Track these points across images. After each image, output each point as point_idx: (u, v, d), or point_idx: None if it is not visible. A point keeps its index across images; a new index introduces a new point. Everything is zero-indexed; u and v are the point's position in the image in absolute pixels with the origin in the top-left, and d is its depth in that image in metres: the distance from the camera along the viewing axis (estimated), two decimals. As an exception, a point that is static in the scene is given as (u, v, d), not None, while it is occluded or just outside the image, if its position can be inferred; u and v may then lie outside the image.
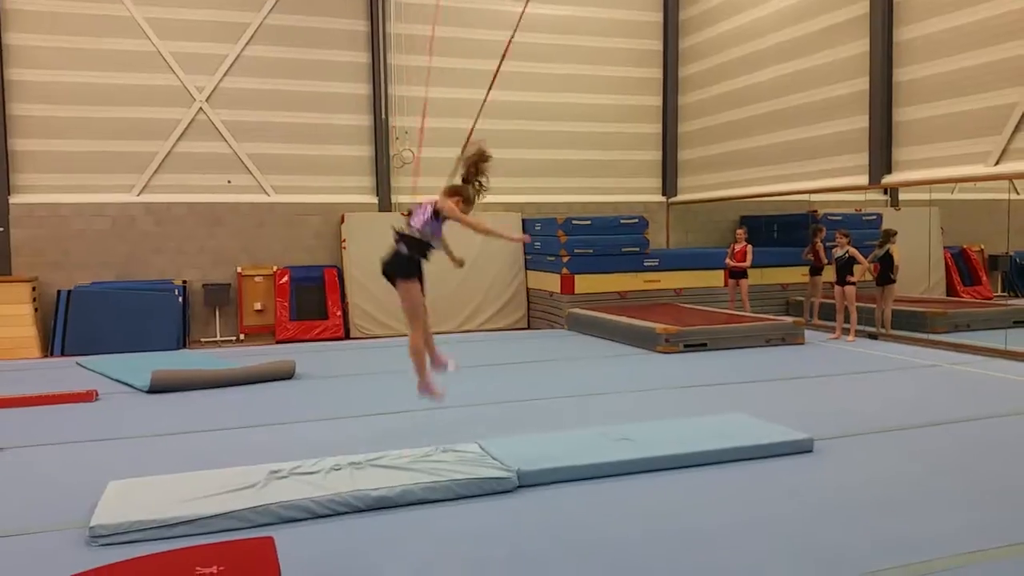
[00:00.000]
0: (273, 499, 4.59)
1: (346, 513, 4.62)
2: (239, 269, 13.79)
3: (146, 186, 13.49)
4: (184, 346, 12.73)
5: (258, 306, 13.76)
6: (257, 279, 13.84)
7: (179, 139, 13.59)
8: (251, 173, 13.98)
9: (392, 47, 14.53)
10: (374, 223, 14.19)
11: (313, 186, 14.33)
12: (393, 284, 5.78)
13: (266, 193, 14.07)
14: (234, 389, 8.53)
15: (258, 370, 9.00)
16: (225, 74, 13.73)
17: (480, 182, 5.81)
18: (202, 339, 13.60)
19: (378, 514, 4.63)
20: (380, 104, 14.43)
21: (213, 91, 13.69)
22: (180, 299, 12.89)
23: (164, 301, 12.65)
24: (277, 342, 13.14)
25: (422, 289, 5.86)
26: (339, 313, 13.67)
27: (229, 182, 13.88)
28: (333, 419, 7.15)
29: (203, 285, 13.60)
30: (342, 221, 14.16)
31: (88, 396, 8.08)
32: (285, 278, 13.72)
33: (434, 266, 14.83)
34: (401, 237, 5.72)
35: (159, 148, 13.49)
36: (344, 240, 14.05)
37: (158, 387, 8.37)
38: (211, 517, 4.42)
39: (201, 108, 13.64)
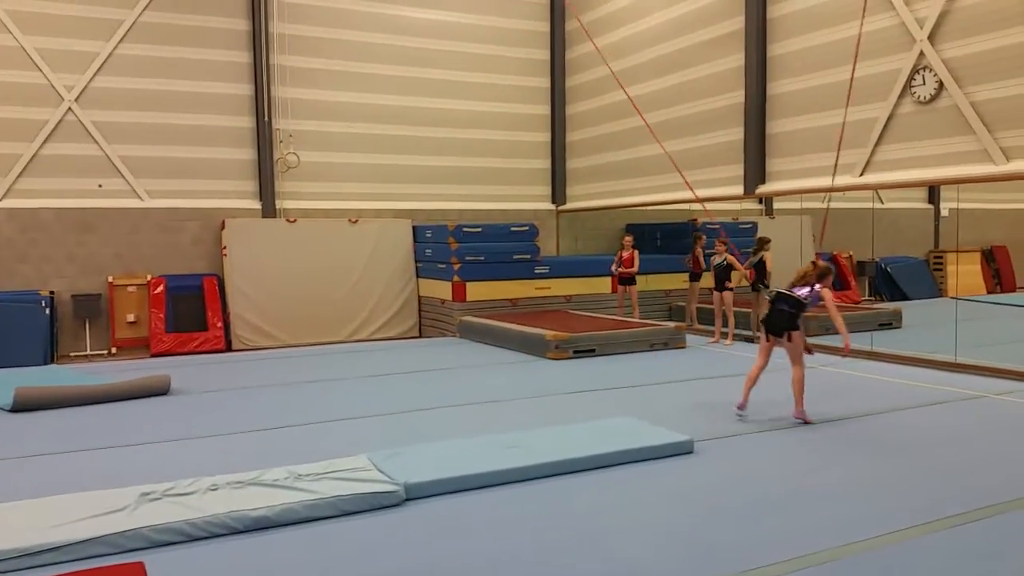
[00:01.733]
0: (144, 522, 4.37)
1: (223, 535, 4.44)
2: (110, 278, 13.11)
3: (9, 190, 12.65)
4: (52, 361, 12.00)
5: (131, 317, 13.11)
6: (130, 289, 13.19)
7: (46, 141, 12.81)
8: (124, 177, 13.32)
9: (275, 47, 14.16)
10: (257, 229, 13.80)
11: (191, 190, 13.77)
12: (780, 336, 6.97)
13: (140, 198, 13.44)
14: (105, 407, 8.09)
15: (130, 386, 8.57)
16: (96, 73, 13.05)
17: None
18: (71, 353, 12.84)
19: (258, 535, 4.47)
20: (263, 105, 14.04)
21: (83, 91, 12.98)
22: (47, 311, 12.15)
23: (29, 313, 11.89)
24: (152, 355, 12.55)
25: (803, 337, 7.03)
26: (220, 324, 13.18)
27: (100, 186, 13.19)
28: (212, 436, 6.88)
29: (72, 296, 12.85)
30: (222, 227, 13.68)
31: (-60, 417, 7.50)
32: (160, 287, 13.12)
33: (321, 274, 14.57)
34: (783, 299, 6.98)
35: (23, 150, 12.68)
36: (225, 247, 13.58)
37: (22, 405, 7.86)
38: (78, 543, 4.18)
39: (70, 108, 12.91)
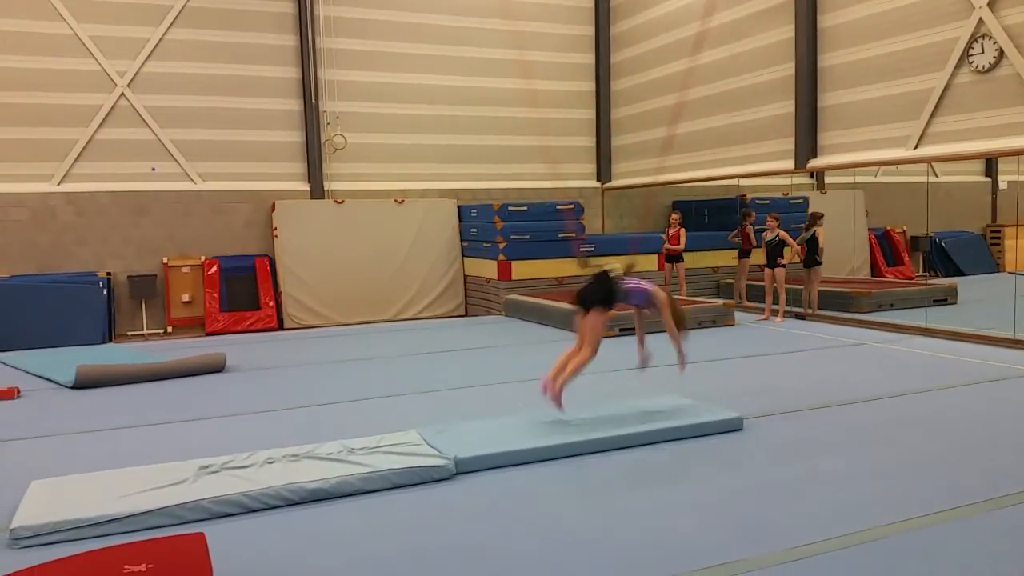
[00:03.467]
0: (204, 494, 4.49)
1: (280, 507, 4.56)
2: (165, 260, 13.42)
3: (67, 175, 13.00)
4: (110, 340, 12.35)
5: (186, 297, 13.42)
6: (184, 270, 13.48)
7: (100, 126, 13.13)
8: (176, 160, 13.59)
9: (321, 30, 14.26)
10: (306, 210, 13.99)
11: (242, 173, 14.00)
12: (586, 310, 5.98)
13: (192, 181, 13.71)
14: (163, 384, 8.32)
15: (187, 363, 8.79)
16: (147, 58, 13.30)
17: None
18: (128, 332, 13.20)
19: (313, 507, 4.58)
20: (310, 88, 14.17)
21: (135, 76, 13.25)
22: (104, 292, 12.48)
23: (88, 294, 12.23)
24: (207, 334, 12.84)
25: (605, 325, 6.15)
26: (272, 303, 13.42)
27: (153, 170, 13.47)
28: (267, 412, 7.03)
29: (128, 277, 13.19)
30: (273, 209, 13.89)
31: (10, 393, 7.78)
32: (214, 268, 13.40)
33: (368, 253, 14.73)
34: (607, 276, 6.06)
35: (79, 135, 13.01)
36: (275, 228, 13.79)
37: (83, 383, 8.12)
38: (139, 514, 4.31)
39: (123, 93, 13.19)
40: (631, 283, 6.11)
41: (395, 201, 14.52)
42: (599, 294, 5.97)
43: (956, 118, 9.96)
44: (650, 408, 6.28)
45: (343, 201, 14.26)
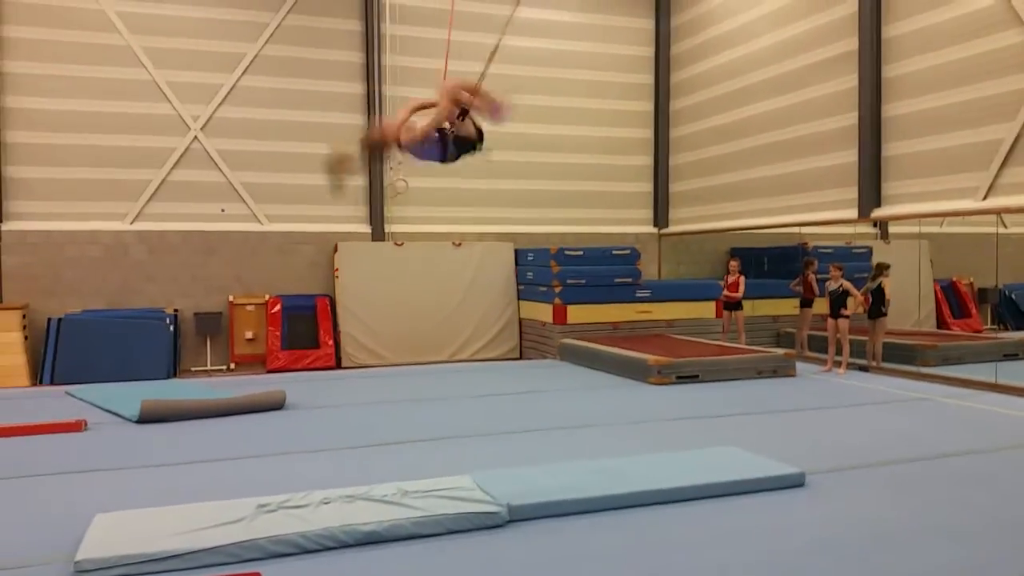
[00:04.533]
0: (261, 534, 4.55)
1: (335, 548, 4.59)
2: (231, 298, 13.76)
3: (139, 214, 13.49)
4: (174, 375, 12.67)
5: (249, 335, 13.71)
6: (249, 308, 13.81)
7: (173, 167, 13.62)
8: (245, 202, 14.00)
9: (387, 77, 14.63)
10: (367, 252, 14.24)
11: (306, 215, 14.35)
12: None
13: (259, 222, 14.09)
14: (224, 420, 8.48)
15: (248, 400, 8.96)
16: (220, 103, 13.80)
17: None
18: (193, 368, 13.53)
19: (367, 549, 4.60)
20: (374, 134, 14.48)
21: (208, 120, 13.75)
22: (171, 327, 12.84)
23: (154, 330, 12.60)
24: (268, 371, 13.08)
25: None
26: (331, 342, 13.63)
27: (223, 211, 13.90)
28: (324, 451, 7.11)
29: (194, 314, 13.55)
30: (335, 250, 14.17)
31: (77, 426, 8.02)
32: (277, 307, 13.69)
33: (425, 295, 14.87)
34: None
35: (153, 176, 13.51)
36: (337, 269, 14.05)
37: (148, 417, 8.31)
38: (198, 552, 4.38)
39: (196, 137, 13.69)
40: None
41: (453, 244, 14.69)
42: None
43: (1027, 169, 9.71)
44: (709, 460, 6.17)
45: (402, 243, 14.48)
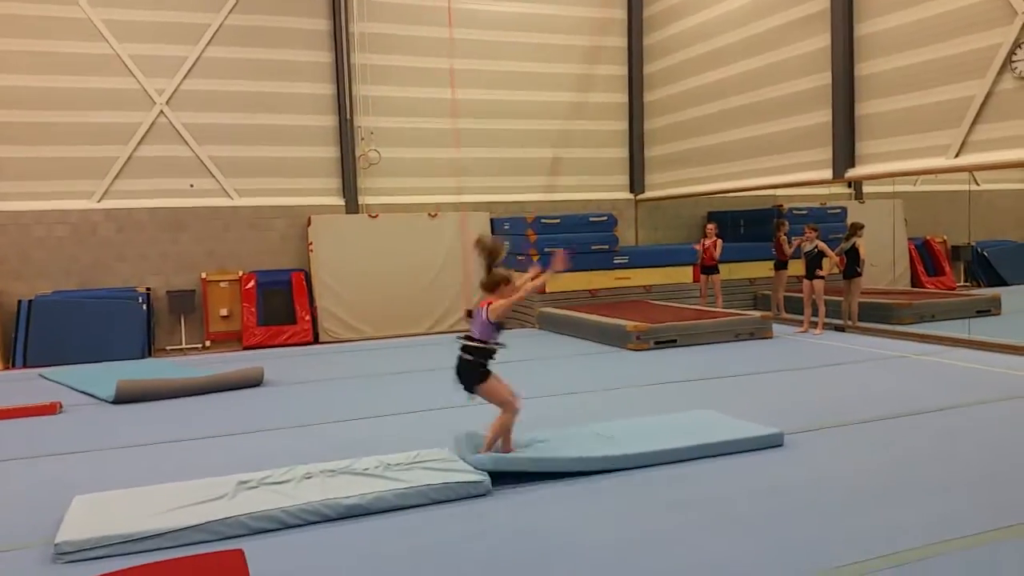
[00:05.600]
0: (242, 510, 4.51)
1: (318, 522, 4.56)
2: (203, 275, 13.59)
3: (107, 192, 13.24)
4: (149, 355, 12.52)
5: (224, 312, 13.57)
6: (222, 284, 13.65)
7: (140, 143, 13.37)
8: (214, 176, 13.78)
9: (355, 46, 14.40)
10: (341, 225, 14.10)
11: (278, 188, 14.16)
12: (470, 392, 5.47)
13: (229, 196, 13.89)
14: (201, 398, 8.41)
15: (225, 378, 8.87)
16: (185, 76, 13.52)
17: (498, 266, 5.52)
18: (167, 347, 13.38)
19: (351, 522, 4.58)
20: (344, 104, 14.31)
21: (173, 94, 13.48)
22: (144, 307, 12.67)
23: (128, 309, 12.43)
24: (244, 348, 12.97)
25: (498, 381, 5.48)
26: (308, 317, 13.52)
27: (192, 186, 13.68)
28: (304, 427, 7.07)
29: (167, 292, 13.38)
30: (308, 224, 14.02)
31: (51, 408, 7.92)
32: (251, 283, 13.54)
33: (402, 267, 14.78)
34: (465, 349, 5.40)
35: (120, 153, 13.25)
36: (311, 243, 13.91)
37: (123, 397, 8.23)
38: (180, 530, 4.34)
39: (162, 111, 13.42)
40: (474, 323, 5.43)
41: (428, 215, 14.58)
42: (473, 374, 5.37)
43: (998, 126, 9.76)
44: (688, 423, 6.20)
45: (377, 215, 14.35)
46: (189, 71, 13.54)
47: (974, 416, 6.68)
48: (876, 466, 5.37)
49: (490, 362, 5.39)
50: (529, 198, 15.66)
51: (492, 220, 14.93)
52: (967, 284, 15.26)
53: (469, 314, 5.53)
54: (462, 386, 5.46)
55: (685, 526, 4.43)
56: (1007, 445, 5.79)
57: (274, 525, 4.49)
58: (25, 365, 11.63)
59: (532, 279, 5.55)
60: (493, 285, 5.41)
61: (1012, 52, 9.46)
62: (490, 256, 5.48)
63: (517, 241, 13.86)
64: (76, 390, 9.00)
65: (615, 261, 13.78)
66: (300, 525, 4.53)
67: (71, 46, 12.90)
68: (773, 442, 5.86)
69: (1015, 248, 15.70)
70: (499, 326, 5.41)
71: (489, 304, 5.35)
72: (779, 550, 4.06)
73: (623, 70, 16.49)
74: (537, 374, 9.29)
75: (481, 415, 7.23)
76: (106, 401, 8.32)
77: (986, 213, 14.53)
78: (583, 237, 13.61)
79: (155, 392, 8.41)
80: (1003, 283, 15.01)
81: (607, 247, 13.76)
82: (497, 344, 5.40)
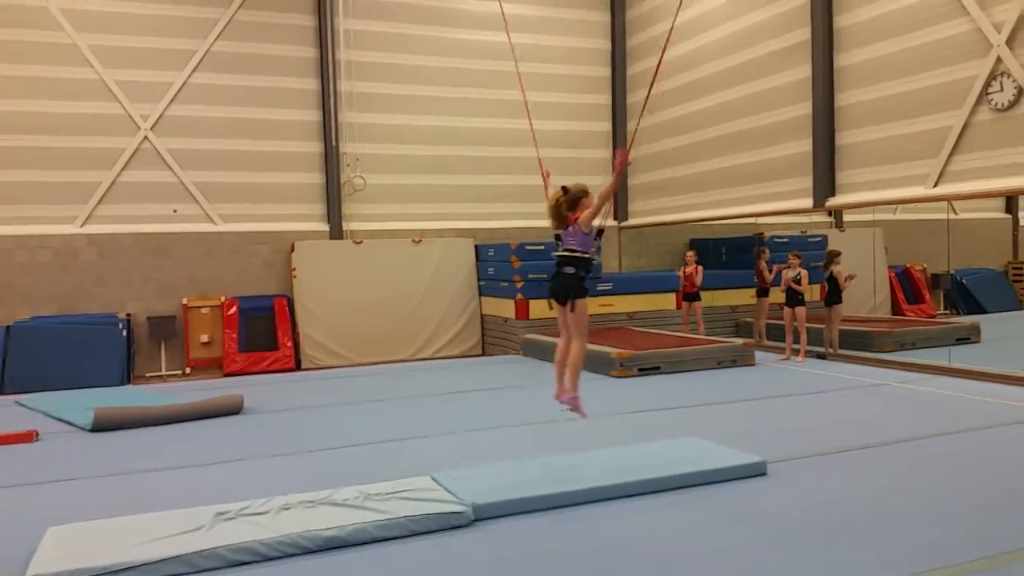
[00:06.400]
0: (220, 542, 4.45)
1: (296, 555, 4.50)
2: (185, 300, 13.50)
3: (89, 217, 13.16)
4: (128, 381, 12.39)
5: (205, 338, 13.46)
6: (204, 310, 13.55)
7: (123, 168, 13.31)
8: (198, 202, 13.74)
9: (342, 74, 14.47)
10: (325, 251, 14.07)
11: (262, 214, 14.13)
12: (563, 304, 5.79)
13: (213, 222, 13.84)
14: (180, 426, 8.31)
15: (205, 406, 8.78)
16: (171, 102, 13.52)
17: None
18: (147, 374, 13.24)
19: (329, 555, 4.52)
20: (330, 131, 14.34)
21: (158, 119, 13.46)
22: (124, 333, 12.54)
23: (107, 335, 12.31)
24: (225, 375, 12.86)
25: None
26: (290, 344, 13.43)
27: (175, 211, 13.63)
28: (283, 455, 6.99)
29: (148, 318, 13.27)
30: (292, 250, 13.98)
31: (28, 436, 7.80)
32: (233, 309, 13.46)
33: (386, 293, 14.75)
34: (566, 260, 5.76)
35: (103, 178, 13.19)
36: (294, 269, 13.86)
37: (101, 425, 8.12)
38: (156, 562, 4.27)
39: (146, 136, 13.39)
40: (572, 240, 5.71)
41: (412, 241, 14.58)
42: (574, 287, 5.73)
43: (975, 156, 9.90)
44: (671, 452, 6.19)
45: (361, 241, 14.34)
46: (175, 97, 13.53)
47: (955, 444, 6.71)
48: (858, 495, 5.36)
49: (587, 278, 5.74)
50: (513, 224, 15.69)
51: (477, 246, 14.94)
52: (947, 312, 15.39)
53: (558, 238, 5.90)
54: (560, 299, 5.77)
55: (669, 555, 4.41)
56: (989, 473, 5.81)
57: (252, 557, 4.43)
58: (2, 392, 11.45)
59: (609, 191, 5.66)
60: (574, 201, 5.69)
61: (987, 84, 9.63)
62: (575, 192, 5.71)
63: (501, 267, 13.88)
64: (53, 417, 8.87)
65: (598, 288, 13.79)
66: (278, 557, 4.47)
67: (56, 71, 12.88)
68: (757, 471, 5.85)
69: (994, 276, 15.87)
70: (597, 234, 5.76)
71: (577, 219, 5.63)
72: (761, 582, 4.04)
73: (607, 99, 16.63)
74: (521, 401, 9.27)
75: (465, 447, 7.20)
76: (84, 429, 8.20)
77: (965, 241, 14.69)
78: (567, 264, 13.61)
79: (133, 420, 8.30)
80: (982, 311, 15.15)
81: (591, 274, 13.75)
82: (594, 259, 5.76)
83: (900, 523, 4.81)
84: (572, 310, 5.73)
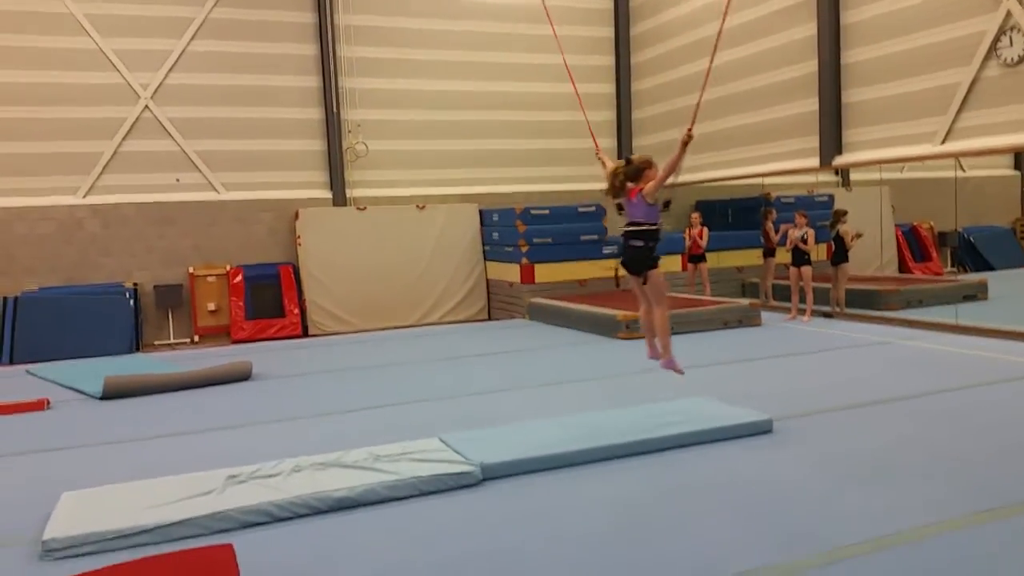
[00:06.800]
0: (232, 504, 4.50)
1: (308, 515, 4.55)
2: (191, 269, 13.52)
3: (92, 187, 13.14)
4: (137, 350, 12.46)
5: (212, 306, 13.51)
6: (210, 279, 13.58)
7: (125, 138, 13.25)
8: (200, 171, 13.69)
9: (341, 39, 14.32)
10: (329, 218, 14.04)
11: (265, 182, 14.08)
12: (637, 276, 5.87)
13: (216, 191, 13.80)
14: (190, 393, 8.38)
15: (214, 372, 8.84)
16: (170, 70, 13.41)
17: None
18: (155, 342, 13.31)
19: (341, 515, 4.57)
20: (331, 97, 14.23)
21: (158, 88, 13.36)
22: (131, 302, 12.60)
23: (115, 305, 12.36)
24: (233, 342, 12.92)
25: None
26: (296, 311, 13.48)
27: (178, 180, 13.58)
28: (293, 420, 7.05)
29: (154, 287, 13.30)
30: (296, 217, 13.95)
31: (39, 405, 7.88)
32: (239, 277, 13.48)
33: (391, 260, 14.76)
34: (634, 234, 5.79)
35: (104, 148, 13.14)
36: (299, 236, 13.85)
37: (111, 393, 8.19)
38: (169, 525, 4.32)
39: (147, 106, 13.31)
40: (637, 212, 5.73)
41: (416, 207, 14.54)
42: (646, 259, 5.76)
43: (984, 112, 9.78)
44: (678, 411, 6.21)
45: (365, 208, 14.30)
46: (174, 65, 13.42)
47: (961, 400, 6.72)
48: (865, 451, 5.39)
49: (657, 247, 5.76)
50: (518, 189, 15.61)
51: (481, 211, 14.89)
52: (954, 270, 15.36)
53: (620, 208, 6.02)
54: (633, 272, 5.86)
55: (676, 513, 4.44)
56: (994, 429, 5.82)
57: (264, 519, 4.48)
58: (12, 362, 11.55)
59: (675, 163, 5.65)
60: (637, 172, 5.69)
61: (997, 39, 9.48)
62: (638, 163, 5.74)
63: (506, 232, 13.85)
64: (64, 386, 8.95)
65: (604, 251, 13.78)
66: (290, 518, 4.52)
67: (53, 41, 12.77)
68: (763, 428, 5.88)
69: (1001, 233, 15.80)
70: (664, 205, 5.77)
71: (640, 191, 5.64)
72: (770, 535, 4.07)
73: (611, 60, 16.45)
74: (528, 364, 9.31)
75: (474, 410, 7.24)
76: (94, 397, 8.27)
77: (973, 199, 14.61)
78: (572, 228, 13.61)
79: (143, 387, 8.37)
80: (990, 268, 15.12)
81: (596, 237, 13.76)
82: (659, 228, 5.78)
83: (905, 478, 4.84)
84: (645, 282, 5.82)
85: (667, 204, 5.84)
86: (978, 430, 5.80)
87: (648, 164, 5.72)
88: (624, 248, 5.89)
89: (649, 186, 5.62)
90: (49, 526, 4.32)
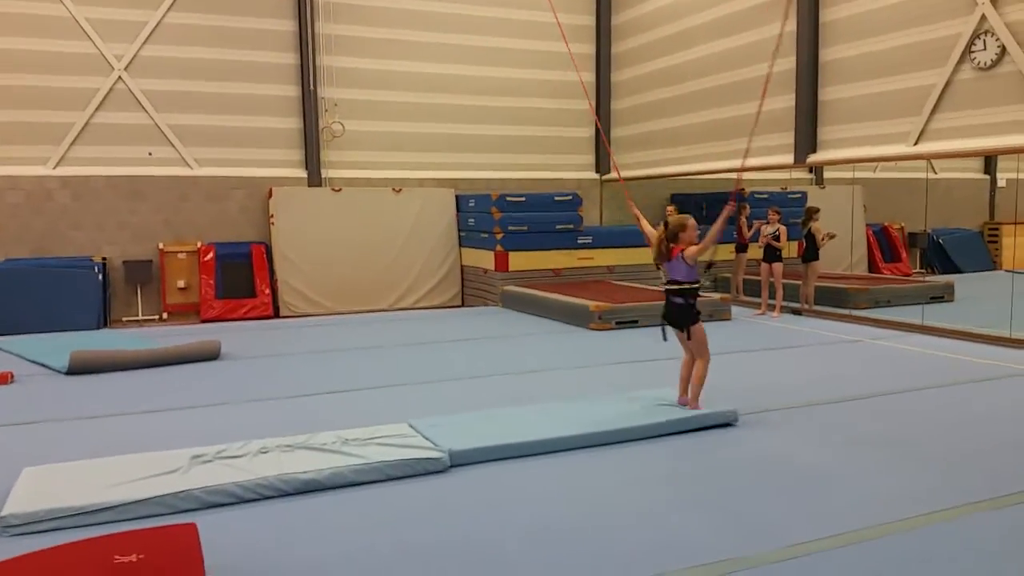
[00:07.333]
0: (196, 484, 4.47)
1: (273, 497, 4.53)
2: (161, 245, 13.35)
3: (62, 158, 12.91)
4: (105, 325, 12.30)
5: (181, 284, 13.35)
6: (180, 255, 13.41)
7: (97, 109, 13.02)
8: (173, 145, 13.50)
9: (320, 15, 14.16)
10: (303, 198, 13.92)
11: (239, 159, 13.92)
12: (681, 330, 6.20)
13: (189, 166, 13.62)
14: (157, 370, 8.30)
15: (182, 351, 8.75)
16: (145, 42, 13.18)
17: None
18: (124, 318, 13.15)
19: (306, 498, 4.56)
20: (308, 74, 14.07)
21: (132, 59, 13.14)
22: (100, 276, 12.41)
23: (83, 279, 12.16)
24: (202, 321, 12.79)
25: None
26: (268, 291, 13.36)
27: (150, 154, 13.38)
28: (261, 401, 7.01)
29: (123, 262, 13.12)
30: (270, 195, 13.82)
31: (3, 378, 7.77)
32: (210, 255, 13.33)
33: (365, 242, 14.66)
34: (676, 292, 6.14)
35: (76, 119, 12.91)
36: (272, 215, 13.72)
37: (77, 368, 8.09)
38: (131, 503, 4.28)
39: (120, 77, 13.08)
40: (678, 272, 6.08)
41: (392, 190, 14.46)
42: (687, 315, 6.11)
43: (957, 115, 9.91)
44: (645, 402, 6.27)
45: (340, 189, 14.19)
46: (149, 37, 13.19)
47: (926, 399, 6.84)
48: (829, 446, 5.47)
49: (697, 303, 6.12)
50: (494, 175, 15.58)
51: (457, 197, 14.84)
52: (922, 271, 15.58)
53: (658, 267, 6.41)
54: (676, 327, 6.20)
55: (642, 503, 4.48)
56: (958, 427, 5.93)
57: (228, 499, 4.45)
58: (-25, 334, 11.34)
59: (718, 232, 6.01)
60: (674, 235, 6.08)
61: (971, 42, 9.60)
62: (674, 227, 6.11)
63: (482, 218, 13.82)
64: (29, 360, 8.83)
65: (579, 241, 13.81)
66: (255, 500, 4.50)
67: (25, 7, 12.49)
68: (728, 420, 5.95)
69: (970, 236, 16.06)
70: (707, 267, 6.27)
71: (682, 251, 6.01)
72: (734, 527, 4.13)
73: (591, 48, 16.43)
74: (500, 352, 9.32)
75: (443, 396, 7.24)
76: (59, 372, 8.17)
77: (943, 201, 14.81)
78: (548, 216, 13.62)
79: (110, 363, 8.27)
80: (957, 270, 15.36)
81: (571, 227, 13.78)
82: (698, 284, 6.14)
83: (868, 474, 4.92)
84: (689, 337, 6.11)
85: (710, 266, 6.49)
86: (942, 429, 5.89)
87: (683, 227, 6.07)
88: (667, 305, 6.22)
89: (691, 250, 5.98)
90: (8, 502, 4.27)
